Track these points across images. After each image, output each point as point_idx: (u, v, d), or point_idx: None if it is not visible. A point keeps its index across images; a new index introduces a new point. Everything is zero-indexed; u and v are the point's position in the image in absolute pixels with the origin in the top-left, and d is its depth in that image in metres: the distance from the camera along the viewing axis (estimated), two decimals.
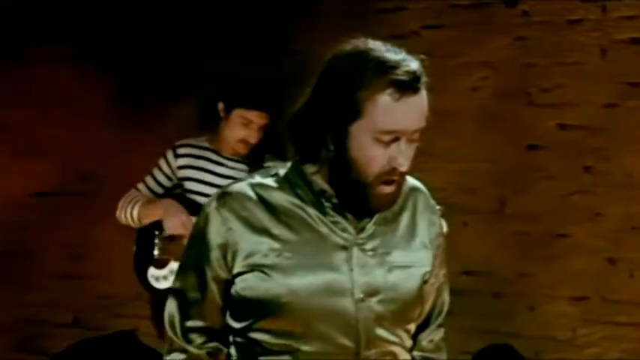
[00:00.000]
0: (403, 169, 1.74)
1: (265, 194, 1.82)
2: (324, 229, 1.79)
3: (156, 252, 3.31)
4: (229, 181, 3.13)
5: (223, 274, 1.81)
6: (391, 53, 1.74)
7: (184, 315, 1.85)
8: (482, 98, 3.76)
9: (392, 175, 1.75)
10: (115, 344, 4.27)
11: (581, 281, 3.66)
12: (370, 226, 1.82)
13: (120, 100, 4.40)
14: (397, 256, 1.82)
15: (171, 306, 1.88)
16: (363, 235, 1.81)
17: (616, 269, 3.62)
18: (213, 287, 1.82)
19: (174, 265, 3.24)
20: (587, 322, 3.67)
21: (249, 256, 1.78)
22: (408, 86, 1.71)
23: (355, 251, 1.79)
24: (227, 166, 3.42)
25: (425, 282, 1.85)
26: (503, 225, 3.78)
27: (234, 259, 1.79)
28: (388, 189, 1.76)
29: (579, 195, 3.68)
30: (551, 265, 3.71)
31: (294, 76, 3.56)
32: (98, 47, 4.45)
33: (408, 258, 1.83)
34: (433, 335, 1.97)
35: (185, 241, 2.00)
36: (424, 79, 1.74)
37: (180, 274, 1.89)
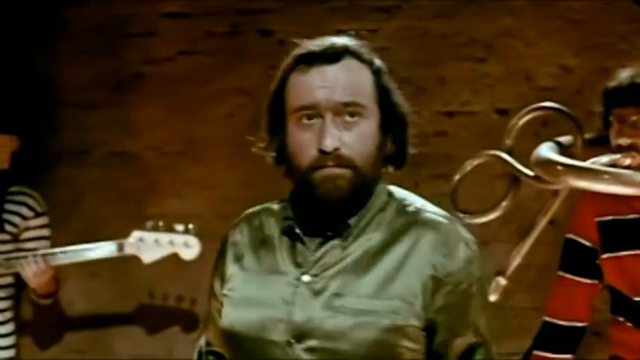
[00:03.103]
0: (329, 148, 1.55)
1: (265, 219, 1.72)
2: (283, 261, 1.64)
3: None
4: None
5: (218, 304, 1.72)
6: (316, 41, 1.63)
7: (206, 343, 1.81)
8: (236, 125, 3.78)
9: (325, 161, 1.57)
10: None
11: None
12: (329, 255, 1.61)
13: None
14: (353, 301, 1.56)
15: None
16: (317, 270, 1.60)
17: None
18: (216, 316, 1.72)
19: None
20: None
21: (225, 284, 1.70)
22: (316, 56, 1.60)
23: (302, 288, 1.59)
24: None
25: (405, 337, 1.56)
26: None
27: (222, 288, 1.71)
28: (328, 170, 1.57)
29: None
30: None
31: (40, 100, 3.98)
32: None
33: (369, 305, 1.56)
34: None
35: None
36: (354, 50, 1.63)
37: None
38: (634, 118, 2.43)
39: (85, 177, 4.13)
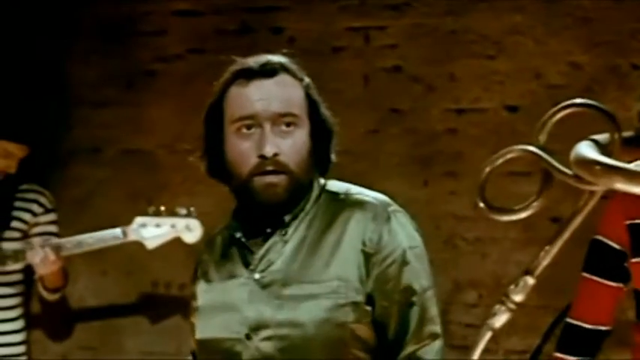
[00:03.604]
0: (269, 154, 1.70)
1: (225, 236, 1.87)
2: (236, 266, 1.80)
3: None
4: None
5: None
6: (253, 58, 1.77)
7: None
8: None
9: (264, 167, 1.72)
10: None
11: None
12: (272, 251, 1.77)
13: None
14: (296, 288, 1.72)
15: None
16: (264, 266, 1.76)
17: None
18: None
19: None
20: None
21: (196, 300, 1.86)
22: (254, 72, 1.74)
23: (252, 285, 1.76)
24: None
25: (350, 314, 1.71)
26: None
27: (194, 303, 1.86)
28: (267, 178, 1.72)
29: None
30: None
31: (52, 98, 4.06)
32: None
33: (310, 289, 1.71)
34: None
35: None
36: (288, 67, 1.78)
37: None
38: None
39: (97, 175, 4.15)
